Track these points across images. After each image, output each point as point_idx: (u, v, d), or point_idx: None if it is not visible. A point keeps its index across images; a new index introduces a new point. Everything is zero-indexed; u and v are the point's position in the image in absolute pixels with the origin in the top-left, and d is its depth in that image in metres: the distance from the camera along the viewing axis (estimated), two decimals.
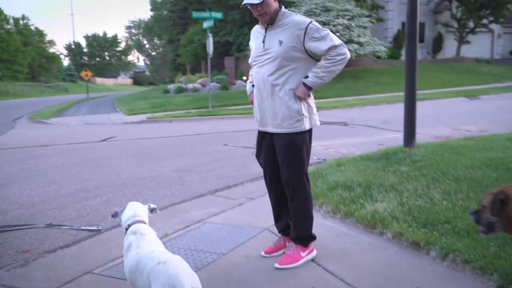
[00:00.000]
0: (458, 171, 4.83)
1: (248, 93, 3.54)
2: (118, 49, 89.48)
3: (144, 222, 2.63)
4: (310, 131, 3.24)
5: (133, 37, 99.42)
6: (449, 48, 31.04)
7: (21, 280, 3.41)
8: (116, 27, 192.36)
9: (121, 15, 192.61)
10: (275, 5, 3.07)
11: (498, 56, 33.08)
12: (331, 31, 18.92)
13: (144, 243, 2.42)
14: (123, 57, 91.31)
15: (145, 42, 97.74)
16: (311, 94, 3.22)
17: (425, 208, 3.85)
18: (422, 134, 8.34)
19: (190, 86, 24.90)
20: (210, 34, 16.79)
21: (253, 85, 3.43)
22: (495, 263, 2.78)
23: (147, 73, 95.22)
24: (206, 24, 17.05)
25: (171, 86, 26.17)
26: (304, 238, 3.30)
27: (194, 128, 13.21)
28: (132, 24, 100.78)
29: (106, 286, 3.22)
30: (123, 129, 14.14)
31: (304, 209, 3.26)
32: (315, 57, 3.09)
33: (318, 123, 3.26)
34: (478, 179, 4.52)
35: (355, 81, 22.63)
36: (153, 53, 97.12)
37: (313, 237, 3.34)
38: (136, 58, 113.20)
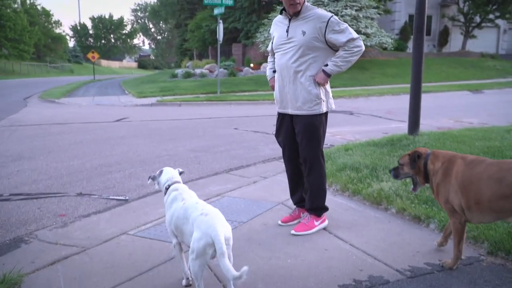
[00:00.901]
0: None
1: (268, 78, 3.92)
2: (124, 32, 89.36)
3: (180, 183, 3.06)
4: (326, 113, 3.63)
5: (139, 21, 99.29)
6: (455, 42, 31.22)
7: (64, 238, 3.84)
8: (122, 9, 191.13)
9: None
10: None
11: (503, 51, 33.24)
12: None
13: (187, 196, 2.88)
14: (128, 40, 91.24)
15: (151, 26, 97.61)
16: (328, 81, 3.60)
17: (426, 187, 4.24)
18: (425, 125, 8.66)
19: (197, 71, 25.20)
20: (220, 21, 17.07)
21: (273, 71, 3.82)
22: (486, 233, 3.19)
23: (152, 57, 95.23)
24: (216, 11, 17.32)
25: (179, 71, 26.47)
26: (318, 208, 3.71)
27: (204, 112, 13.59)
28: (138, 7, 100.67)
29: (141, 244, 3.63)
30: (134, 111, 14.53)
31: (319, 183, 3.67)
32: (333, 48, 3.46)
33: (333, 106, 3.66)
34: None
35: (362, 72, 22.90)
36: (159, 37, 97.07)
37: (325, 208, 3.75)
38: (142, 42, 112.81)
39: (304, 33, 3.40)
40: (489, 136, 6.47)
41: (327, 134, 9.20)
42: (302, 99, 3.51)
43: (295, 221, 3.87)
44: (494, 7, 27.47)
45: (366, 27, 22.07)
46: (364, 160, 5.45)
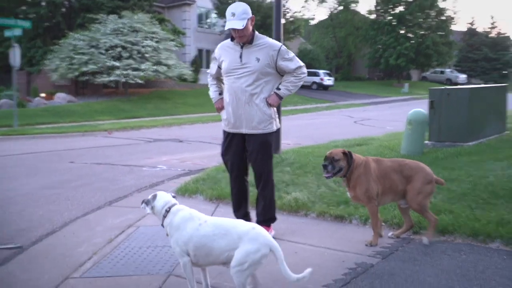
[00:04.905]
0: None
1: (215, 100, 4.10)
2: None
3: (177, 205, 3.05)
4: (274, 132, 4.02)
5: None
6: None
7: None
8: None
9: None
10: (251, 28, 3.78)
11: None
12: (141, 52, 19.44)
13: (200, 214, 2.94)
14: None
15: None
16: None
17: (330, 193, 5.03)
18: None
19: None
20: (16, 44, 15.26)
21: (219, 93, 4.04)
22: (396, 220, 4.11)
23: None
24: (9, 33, 15.46)
25: None
26: (270, 219, 4.06)
27: (4, 148, 11.80)
28: None
29: (105, 284, 3.33)
30: None
31: (272, 196, 4.04)
32: (281, 73, 3.91)
33: (279, 125, 4.07)
34: None
35: (164, 102, 23.43)
36: None
37: (276, 218, 4.11)
38: None
39: (258, 60, 3.75)
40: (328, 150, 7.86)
41: (175, 161, 9.41)
42: (257, 119, 3.82)
43: None
44: None
45: (167, 58, 22.84)
46: None
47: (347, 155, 3.78)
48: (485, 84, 33.95)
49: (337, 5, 45.11)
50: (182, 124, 17.85)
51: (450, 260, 3.32)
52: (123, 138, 13.61)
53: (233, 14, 3.66)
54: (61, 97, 22.76)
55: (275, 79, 3.90)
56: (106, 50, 21.58)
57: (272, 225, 4.16)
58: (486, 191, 4.57)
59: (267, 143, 3.91)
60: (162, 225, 2.96)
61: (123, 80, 21.80)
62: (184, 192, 5.96)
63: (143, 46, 21.78)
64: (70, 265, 3.69)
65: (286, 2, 31.57)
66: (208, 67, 33.24)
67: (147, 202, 3.01)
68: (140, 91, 24.88)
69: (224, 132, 4.07)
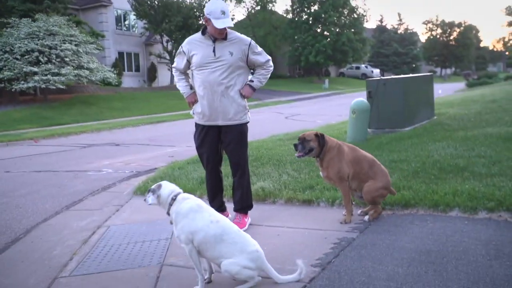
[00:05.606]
0: (284, 158, 6.53)
1: (186, 95, 4.16)
2: None
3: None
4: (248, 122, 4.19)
5: None
6: (163, 77, 34.30)
7: None
8: None
9: None
10: None
11: None
12: (59, 56, 18.91)
13: (209, 208, 3.05)
14: None
15: None
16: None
17: (294, 181, 5.29)
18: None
19: None
20: None
21: (190, 88, 4.13)
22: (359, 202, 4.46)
23: None
24: None
25: None
26: (247, 207, 4.21)
27: None
28: None
29: (104, 278, 3.31)
30: None
31: (249, 184, 4.20)
32: (251, 67, 4.10)
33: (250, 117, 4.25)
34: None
35: (88, 107, 22.47)
36: None
37: (252, 206, 4.27)
38: None
39: (231, 53, 3.89)
40: (278, 144, 8.19)
41: (119, 164, 9.27)
42: (233, 111, 3.97)
43: None
44: None
45: (89, 62, 21.94)
46: None
47: (319, 137, 3.99)
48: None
49: (254, 5, 46.03)
50: (112, 129, 17.31)
51: (420, 228, 3.71)
52: (53, 146, 12.96)
53: (224, 13, 3.78)
54: None
55: (245, 72, 4.08)
56: (22, 55, 20.26)
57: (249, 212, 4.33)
58: (435, 168, 5.09)
59: (243, 133, 4.07)
60: (168, 213, 3.02)
61: (43, 86, 20.61)
62: (144, 191, 5.89)
63: (61, 50, 20.72)
64: (53, 266, 3.61)
65: (204, 5, 31.56)
66: (131, 70, 32.26)
67: (153, 191, 3.06)
68: (60, 97, 23.62)
69: (198, 125, 4.15)
